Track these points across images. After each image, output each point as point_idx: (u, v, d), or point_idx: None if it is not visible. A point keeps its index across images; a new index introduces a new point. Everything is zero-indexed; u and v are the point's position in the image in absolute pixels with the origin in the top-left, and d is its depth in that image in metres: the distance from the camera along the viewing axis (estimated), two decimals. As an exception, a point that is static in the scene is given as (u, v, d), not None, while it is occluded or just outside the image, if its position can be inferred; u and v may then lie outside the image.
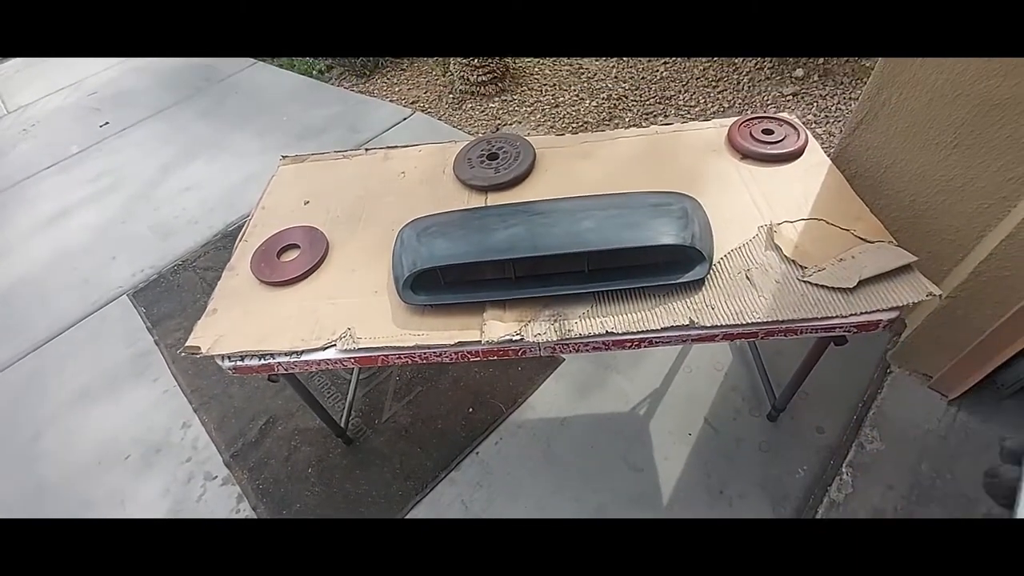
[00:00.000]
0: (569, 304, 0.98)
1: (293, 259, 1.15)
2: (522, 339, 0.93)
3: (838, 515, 1.29)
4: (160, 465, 1.61)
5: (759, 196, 1.12)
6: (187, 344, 1.02)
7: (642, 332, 0.93)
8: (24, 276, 2.33)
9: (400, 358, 0.99)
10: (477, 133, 2.67)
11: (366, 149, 1.42)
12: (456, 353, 0.97)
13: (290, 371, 1.02)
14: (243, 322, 1.05)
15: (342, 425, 1.52)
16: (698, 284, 0.97)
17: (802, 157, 1.19)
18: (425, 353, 0.97)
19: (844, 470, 1.36)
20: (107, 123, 3.45)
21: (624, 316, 0.95)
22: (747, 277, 0.97)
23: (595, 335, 0.93)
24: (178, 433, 1.67)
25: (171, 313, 2.02)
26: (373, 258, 1.13)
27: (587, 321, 0.95)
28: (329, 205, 1.28)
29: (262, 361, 1.00)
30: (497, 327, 0.95)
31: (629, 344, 0.95)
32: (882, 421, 1.43)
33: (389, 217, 1.21)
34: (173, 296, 2.09)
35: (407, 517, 1.40)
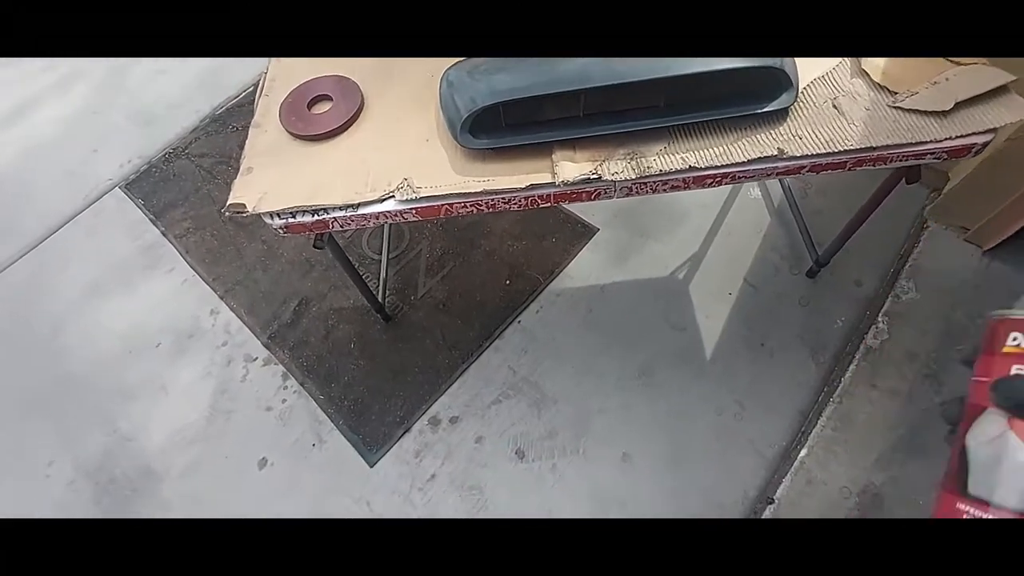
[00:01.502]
0: (644, 140, 0.91)
1: (327, 111, 1.04)
2: (599, 178, 0.88)
3: (873, 359, 1.34)
4: (195, 350, 1.59)
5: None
6: (229, 202, 0.94)
7: (727, 166, 0.88)
8: (2, 172, 2.14)
9: (466, 206, 0.93)
10: None
11: None
12: (526, 198, 0.92)
13: (346, 227, 0.96)
14: (285, 178, 0.97)
15: (380, 300, 1.50)
16: (783, 114, 0.90)
17: None
18: (493, 200, 0.92)
19: (880, 319, 1.40)
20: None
21: (706, 151, 0.89)
22: (834, 106, 0.91)
23: (677, 171, 0.88)
24: (208, 320, 1.63)
25: (173, 203, 1.90)
26: (416, 106, 1.02)
27: (666, 157, 0.89)
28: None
29: (316, 217, 0.94)
30: (570, 168, 0.89)
31: (711, 181, 0.90)
32: (917, 273, 1.45)
33: (424, 65, 1.09)
34: (171, 185, 1.95)
35: (455, 383, 1.43)
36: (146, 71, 2.41)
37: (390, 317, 1.54)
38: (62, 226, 1.92)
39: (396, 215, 0.94)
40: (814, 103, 0.92)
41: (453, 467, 1.32)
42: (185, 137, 2.11)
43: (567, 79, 0.87)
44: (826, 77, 0.94)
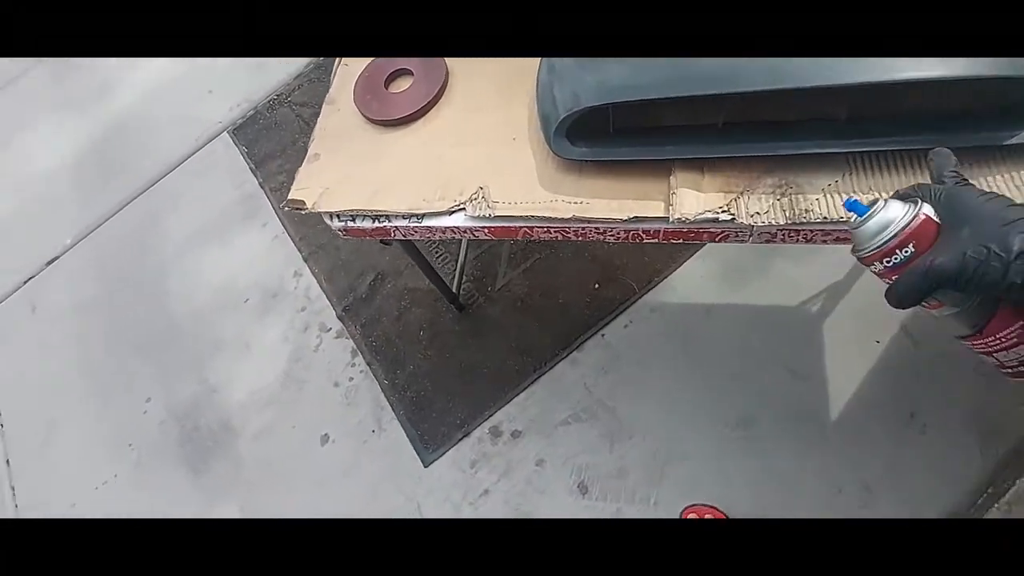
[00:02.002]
0: (806, 169, 0.66)
1: (405, 89, 0.88)
2: (732, 219, 0.65)
3: (1075, 464, 1.00)
4: (277, 311, 1.61)
5: None
6: (289, 198, 0.84)
7: (928, 221, 0.60)
8: (128, 109, 2.27)
9: (549, 232, 0.75)
10: None
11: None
12: (628, 232, 0.72)
13: (409, 237, 0.83)
14: (351, 171, 0.84)
15: (454, 290, 1.39)
16: (1038, 148, 0.60)
17: None
18: (584, 228, 0.73)
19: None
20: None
21: (898, 194, 0.62)
22: None
23: (846, 221, 0.62)
24: (291, 281, 1.64)
25: (272, 154, 1.90)
26: (507, 92, 0.83)
27: (835, 198, 0.63)
28: (445, 16, 0.96)
29: (376, 224, 0.81)
30: (692, 199, 0.67)
31: (897, 237, 0.63)
32: None
33: (526, 34, 0.88)
34: (272, 135, 1.95)
35: (523, 392, 1.30)
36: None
37: (464, 307, 1.43)
38: (174, 168, 2.02)
39: (465, 231, 0.78)
40: (1099, 133, 0.59)
41: (509, 487, 1.22)
42: (289, 84, 2.08)
43: (708, 78, 0.63)
44: None
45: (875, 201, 0.46)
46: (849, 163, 0.65)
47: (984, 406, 1.07)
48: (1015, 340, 0.42)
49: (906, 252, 0.43)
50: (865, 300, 1.20)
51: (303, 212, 0.84)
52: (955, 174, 0.47)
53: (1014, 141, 0.58)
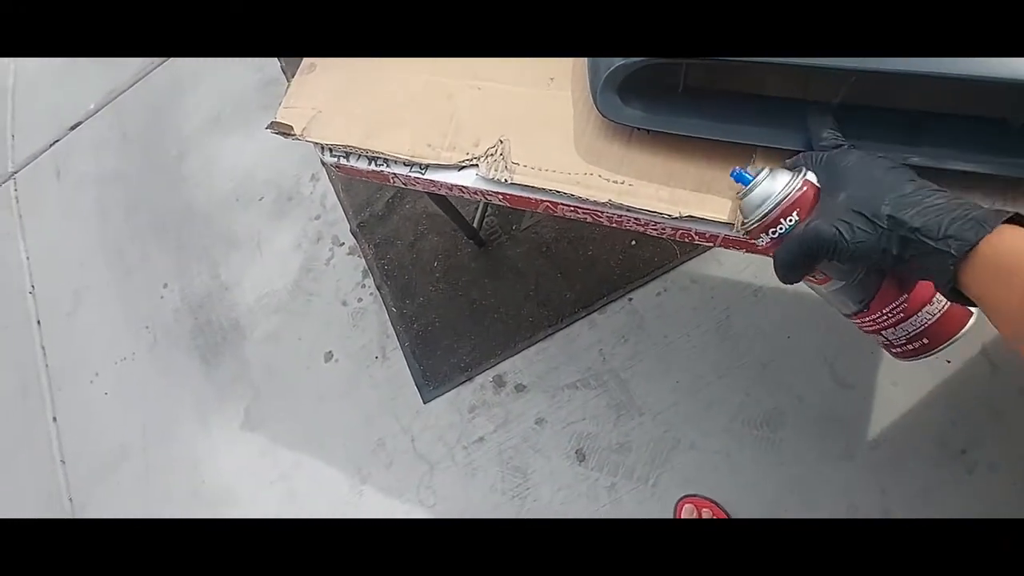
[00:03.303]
0: (940, 178, 0.47)
1: (426, -10, 0.69)
2: (817, 244, 0.49)
3: None
4: (292, 215, 1.53)
5: None
6: (275, 119, 0.70)
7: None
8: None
9: (577, 211, 0.60)
10: None
11: None
12: (676, 230, 0.56)
13: (409, 186, 0.69)
14: (348, 94, 0.69)
15: (475, 224, 1.26)
16: None
17: None
18: (621, 216, 0.57)
19: None
20: None
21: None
22: None
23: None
24: (307, 185, 1.53)
25: (296, 32, 1.69)
26: (555, 8, 0.63)
27: (971, 236, 0.46)
28: None
29: (372, 166, 0.67)
30: (770, 205, 0.50)
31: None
32: None
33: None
34: (298, 8, 1.72)
35: (534, 346, 1.22)
36: None
37: (484, 243, 1.30)
38: (198, 35, 1.83)
39: (475, 192, 0.64)
40: None
41: (505, 438, 1.19)
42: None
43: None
44: None
45: (761, 171, 0.44)
46: (1010, 185, 0.46)
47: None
48: (901, 315, 0.41)
49: (790, 221, 0.41)
50: (948, 310, 1.01)
51: (289, 138, 0.70)
52: (833, 134, 0.44)
53: None
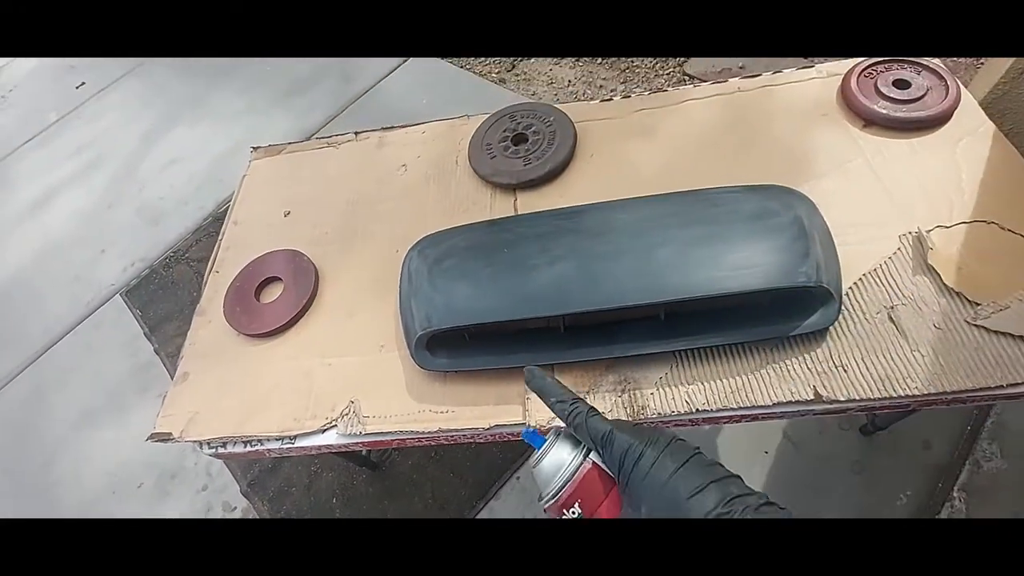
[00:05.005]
0: (641, 365, 0.72)
1: (275, 299, 0.90)
2: (580, 424, 0.70)
3: (952, 553, 1.08)
4: (176, 493, 1.49)
5: (897, 185, 0.80)
6: (155, 430, 0.82)
7: (744, 408, 0.68)
8: (15, 273, 2.16)
9: (420, 441, 0.77)
10: (491, 73, 2.27)
11: (356, 133, 1.11)
12: (494, 435, 0.74)
13: (284, 456, 0.82)
14: (220, 393, 0.84)
15: (363, 452, 1.36)
16: (822, 333, 0.70)
17: (952, 121, 0.84)
18: (453, 436, 0.75)
19: (956, 494, 1.14)
20: (83, 83, 3.13)
21: (718, 383, 0.69)
22: (891, 318, 0.70)
23: (679, 413, 0.69)
24: (191, 458, 1.54)
25: (168, 315, 1.84)
26: (374, 295, 0.88)
27: (666, 391, 0.70)
28: (314, 216, 1.01)
29: (247, 448, 0.80)
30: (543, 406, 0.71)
31: (725, 421, 0.70)
32: (1002, 433, 1.18)
33: (390, 231, 0.95)
34: (168, 294, 1.90)
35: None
36: (158, 161, 2.41)
37: (376, 466, 1.39)
38: (62, 337, 1.90)
39: (339, 447, 0.78)
40: (864, 314, 0.70)
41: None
42: (187, 239, 2.06)
43: (541, 300, 0.70)
44: (879, 271, 0.73)
45: (549, 434, 0.44)
46: (675, 357, 0.72)
47: (865, 504, 1.15)
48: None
49: (575, 513, 0.40)
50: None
51: (168, 442, 0.81)
52: (576, 402, 0.44)
53: (796, 332, 0.68)
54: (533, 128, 0.98)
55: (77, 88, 3.10)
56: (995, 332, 0.66)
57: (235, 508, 1.43)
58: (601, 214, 0.79)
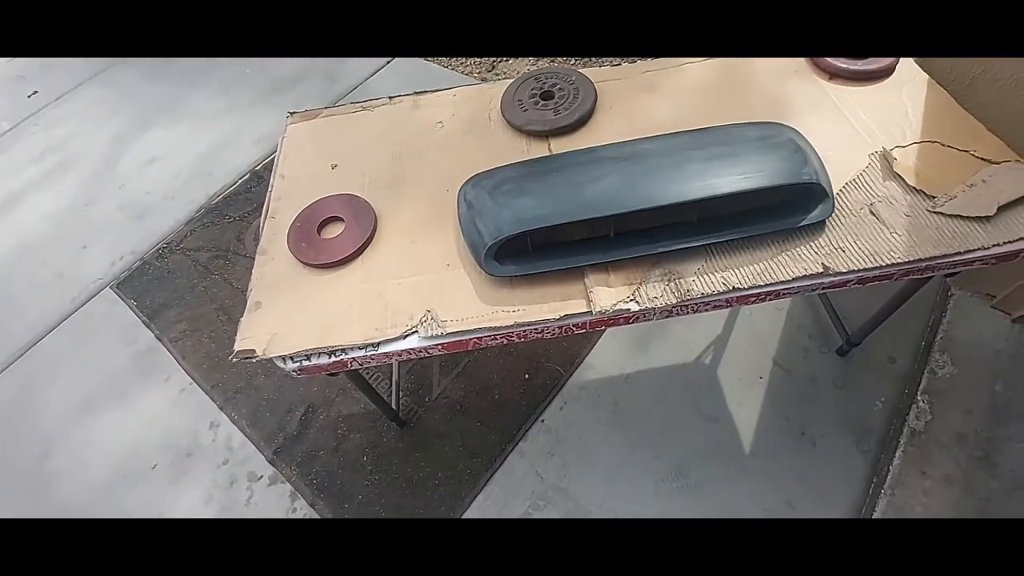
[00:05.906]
0: (680, 260, 0.86)
1: (338, 235, 0.98)
2: (639, 306, 0.82)
3: (920, 443, 1.28)
4: (195, 471, 1.48)
5: (860, 120, 1.00)
6: (237, 348, 0.87)
7: (770, 284, 0.83)
8: (-16, 276, 2.05)
9: (496, 338, 0.87)
10: (474, 72, 2.43)
11: (390, 98, 1.22)
12: (561, 327, 0.86)
13: (366, 365, 0.89)
14: (297, 315, 0.90)
15: (393, 407, 1.41)
16: (821, 226, 0.86)
17: (895, 73, 1.06)
18: (525, 331, 0.85)
19: (920, 398, 1.34)
20: (36, 92, 3.02)
21: (746, 268, 0.84)
22: (872, 212, 0.87)
23: (717, 293, 0.83)
24: (207, 434, 1.53)
25: (167, 303, 1.82)
26: (432, 226, 0.98)
27: (705, 278, 0.84)
28: (362, 168, 1.10)
29: (333, 358, 0.87)
30: (606, 294, 0.84)
31: (754, 299, 0.85)
32: (950, 345, 1.41)
33: (437, 176, 1.05)
34: (165, 283, 1.88)
35: (480, 494, 1.33)
36: (135, 161, 2.38)
37: (404, 422, 1.45)
38: (49, 332, 1.83)
39: (420, 351, 0.87)
40: (851, 211, 0.88)
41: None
42: (179, 230, 2.05)
43: (594, 205, 0.83)
44: (858, 181, 0.91)
45: None
46: (707, 251, 0.87)
47: (849, 412, 1.33)
48: None
49: None
50: (742, 345, 1.46)
51: (253, 360, 0.87)
52: None
53: (804, 223, 0.84)
54: (559, 86, 1.12)
55: (29, 97, 2.99)
56: (949, 215, 0.85)
57: (261, 476, 1.44)
58: (631, 146, 0.93)
